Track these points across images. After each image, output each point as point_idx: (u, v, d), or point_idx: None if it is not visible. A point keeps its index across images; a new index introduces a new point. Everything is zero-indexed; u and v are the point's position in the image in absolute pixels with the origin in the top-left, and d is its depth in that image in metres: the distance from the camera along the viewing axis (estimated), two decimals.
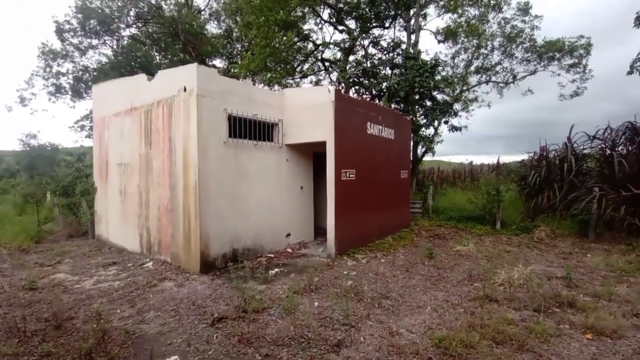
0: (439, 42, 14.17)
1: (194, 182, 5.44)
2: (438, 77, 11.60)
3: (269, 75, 13.20)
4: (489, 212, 9.69)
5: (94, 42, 15.57)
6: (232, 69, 18.42)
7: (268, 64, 14.57)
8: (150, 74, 7.66)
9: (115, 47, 16.69)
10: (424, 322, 3.75)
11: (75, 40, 14.88)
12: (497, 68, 12.72)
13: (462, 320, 3.77)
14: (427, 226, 9.57)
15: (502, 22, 12.37)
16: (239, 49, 20.61)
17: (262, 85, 14.02)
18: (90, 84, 16.46)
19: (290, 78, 17.03)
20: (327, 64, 16.96)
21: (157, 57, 18.79)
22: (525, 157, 11.54)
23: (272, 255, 6.49)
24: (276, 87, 13.65)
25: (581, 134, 9.64)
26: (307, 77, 18.42)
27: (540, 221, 9.01)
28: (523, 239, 8.15)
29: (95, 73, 15.75)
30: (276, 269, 5.64)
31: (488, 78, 12.88)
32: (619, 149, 8.88)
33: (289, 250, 6.94)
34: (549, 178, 9.64)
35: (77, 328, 3.63)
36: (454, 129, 12.07)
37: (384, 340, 3.38)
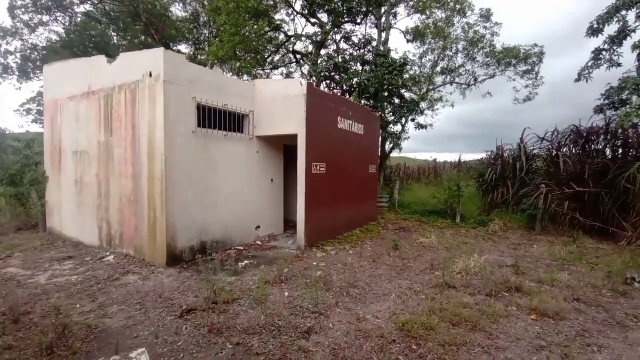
0: (408, 41, 14.63)
1: (160, 172, 5.25)
2: (406, 76, 12.00)
3: (238, 64, 12.88)
4: (450, 206, 10.29)
5: (45, 18, 14.22)
6: (199, 56, 17.69)
7: (237, 52, 14.18)
8: (109, 55, 7.19)
9: (67, 24, 15.35)
10: (389, 308, 3.97)
11: (25, 17, 13.50)
12: (461, 70, 13.45)
13: (424, 306, 4.03)
14: (393, 219, 9.97)
15: (466, 26, 13.05)
16: (207, 34, 19.81)
17: (231, 74, 13.66)
18: (38, 63, 15.04)
19: (260, 68, 16.72)
20: (298, 56, 16.85)
21: (115, 38, 17.54)
22: (483, 155, 12.37)
23: (242, 248, 6.45)
24: (245, 77, 13.35)
25: (532, 135, 10.52)
26: (277, 68, 18.18)
27: (495, 215, 9.74)
28: (479, 232, 8.78)
29: (44, 52, 14.40)
30: (246, 261, 5.63)
31: (452, 79, 13.57)
32: (564, 150, 9.78)
33: (259, 242, 6.93)
34: (504, 175, 10.42)
35: (35, 323, 3.43)
36: (420, 126, 12.60)
37: (352, 325, 3.54)
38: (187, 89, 5.57)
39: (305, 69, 16.29)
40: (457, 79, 13.71)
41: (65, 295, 4.18)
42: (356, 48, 13.01)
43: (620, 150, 8.84)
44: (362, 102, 11.77)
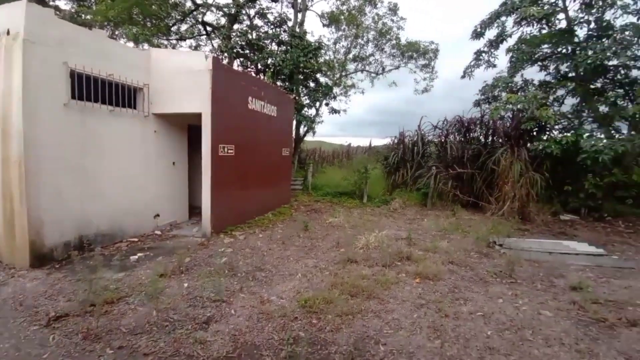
0: (324, 25, 14.78)
1: (17, 154, 4.24)
2: (321, 60, 12.15)
3: (134, 29, 11.19)
4: (359, 187, 11.01)
5: None
6: (84, 15, 14.77)
7: (134, 15, 12.30)
8: None
9: None
10: (294, 288, 4.05)
11: None
12: (371, 59, 14.28)
13: (327, 282, 4.23)
14: (306, 202, 10.21)
15: (376, 17, 13.81)
16: None
17: (126, 41, 11.80)
18: None
19: (164, 38, 14.89)
20: (209, 28, 15.49)
21: None
22: (389, 141, 13.50)
23: (136, 240, 5.77)
24: (146, 46, 11.71)
25: (428, 124, 11.85)
26: (185, 40, 16.44)
27: (396, 194, 10.80)
28: (383, 210, 9.63)
29: None
30: (139, 254, 5.05)
31: (363, 67, 14.33)
32: (451, 137, 11.33)
33: (158, 232, 6.30)
34: (404, 159, 11.58)
35: None
36: (334, 111, 13.01)
37: (255, 309, 3.50)
38: (57, 51, 4.55)
39: (217, 43, 15.11)
40: (367, 68, 14.52)
41: None
42: (272, 26, 12.56)
43: (490, 138, 10.65)
44: (278, 84, 11.54)
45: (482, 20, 11.17)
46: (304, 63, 11.54)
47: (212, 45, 15.97)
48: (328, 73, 13.20)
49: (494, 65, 12.06)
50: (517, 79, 11.20)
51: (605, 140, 8.12)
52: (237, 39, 11.74)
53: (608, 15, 9.85)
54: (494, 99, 11.72)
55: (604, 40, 9.13)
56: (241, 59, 12.52)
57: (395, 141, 12.62)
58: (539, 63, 11.06)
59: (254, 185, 7.59)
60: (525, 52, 10.36)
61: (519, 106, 9.18)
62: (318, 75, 13.07)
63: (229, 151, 6.50)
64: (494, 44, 11.53)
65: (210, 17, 15.24)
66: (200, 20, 14.82)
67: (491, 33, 11.55)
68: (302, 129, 12.73)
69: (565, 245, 6.40)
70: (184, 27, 15.74)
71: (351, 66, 14.33)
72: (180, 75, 6.09)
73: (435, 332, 3.16)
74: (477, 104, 11.62)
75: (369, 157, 16.34)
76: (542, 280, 4.62)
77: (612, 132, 9.52)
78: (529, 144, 9.46)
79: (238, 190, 6.92)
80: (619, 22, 9.70)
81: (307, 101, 12.27)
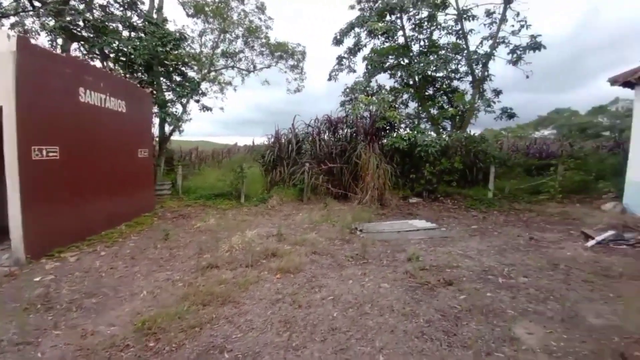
0: (188, 15, 13.61)
1: None
2: (182, 52, 11.13)
3: None
4: (236, 188, 10.61)
5: None
6: None
7: None
8: None
9: None
10: (134, 309, 3.47)
11: None
12: (241, 56, 13.93)
13: (177, 295, 3.80)
14: (174, 207, 9.21)
15: (242, 13, 13.52)
16: None
17: None
18: None
19: None
20: (38, 4, 12.23)
21: None
22: (265, 139, 13.46)
23: None
24: None
25: (302, 122, 12.32)
26: (7, 17, 12.60)
27: (274, 192, 10.86)
28: (260, 208, 9.51)
29: None
30: None
31: (233, 64, 13.87)
32: (324, 135, 12.08)
33: None
34: (280, 156, 11.75)
35: None
36: (205, 108, 12.15)
37: (71, 346, 2.82)
38: None
39: (51, 22, 12.06)
40: (238, 65, 14.13)
41: None
42: (120, 8, 10.76)
43: (354, 135, 11.82)
44: (134, 75, 10.00)
45: (340, 29, 12.31)
46: (164, 54, 10.35)
47: (43, 25, 12.73)
48: (195, 67, 12.22)
49: (354, 71, 13.50)
50: (373, 83, 12.81)
51: (434, 136, 10.05)
52: (72, 17, 9.60)
53: (436, 35, 12.26)
54: (355, 100, 13.07)
55: (429, 55, 11.28)
56: (82, 43, 10.35)
57: (272, 139, 12.69)
58: (389, 71, 12.92)
59: (96, 194, 6.32)
60: (376, 61, 11.90)
61: (373, 107, 10.47)
62: (184, 69, 11.97)
63: (51, 154, 5.18)
64: (353, 51, 12.88)
65: None
66: None
67: (350, 42, 12.88)
68: (168, 128, 11.43)
69: (410, 224, 7.58)
70: (5, 1, 12.02)
71: (221, 62, 13.69)
72: None
73: (285, 326, 3.17)
74: (342, 104, 12.74)
75: (250, 156, 16.03)
76: (387, 257, 5.29)
77: (440, 130, 11.91)
78: (384, 140, 10.92)
79: (70, 201, 5.61)
80: (442, 41, 12.20)
81: (172, 97, 11.07)
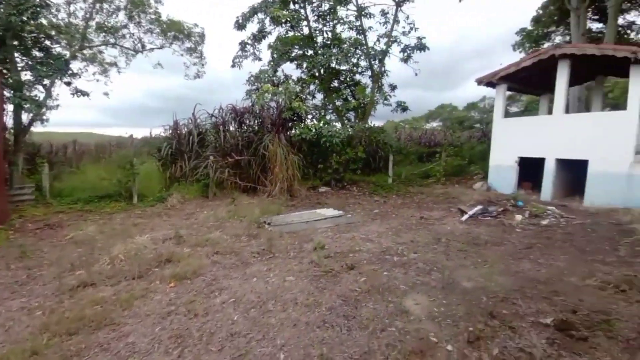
0: None
1: None
2: (44, 21, 8.98)
3: None
4: (126, 187, 9.20)
5: None
6: None
7: None
8: None
9: None
10: None
11: None
12: (125, 32, 11.94)
13: (34, 326, 3.02)
14: (40, 216, 7.45)
15: None
16: None
17: None
18: None
19: None
20: None
21: None
22: (161, 130, 12.03)
23: None
24: None
25: (204, 112, 11.34)
26: None
27: (174, 189, 9.80)
28: (157, 209, 8.45)
29: None
30: None
31: (115, 40, 11.82)
32: (229, 126, 11.37)
33: None
34: (180, 150, 10.65)
35: None
36: (80, 92, 10.10)
37: None
38: None
39: None
40: (121, 42, 12.10)
41: None
42: None
43: (261, 126, 11.47)
44: None
45: (242, 13, 11.65)
46: (21, 25, 8.18)
47: None
48: (63, 42, 9.98)
49: (260, 59, 13.03)
50: (280, 73, 12.58)
51: (339, 127, 10.46)
52: None
53: (339, 29, 12.64)
54: (261, 90, 12.67)
55: (332, 48, 11.61)
56: None
57: (170, 131, 11.40)
58: (295, 62, 12.86)
59: None
60: (282, 50, 11.70)
61: (279, 98, 10.28)
62: (50, 43, 9.69)
63: None
64: (257, 38, 12.37)
65: None
66: None
67: (254, 27, 12.31)
68: (26, 117, 9.12)
69: (319, 213, 7.74)
70: None
71: (99, 38, 11.49)
72: None
73: (177, 341, 2.80)
74: (248, 93, 12.19)
75: (146, 150, 14.13)
76: (295, 248, 5.25)
77: (345, 121, 12.48)
78: (292, 131, 10.88)
79: None
80: (344, 35, 12.66)
81: (31, 77, 8.85)
